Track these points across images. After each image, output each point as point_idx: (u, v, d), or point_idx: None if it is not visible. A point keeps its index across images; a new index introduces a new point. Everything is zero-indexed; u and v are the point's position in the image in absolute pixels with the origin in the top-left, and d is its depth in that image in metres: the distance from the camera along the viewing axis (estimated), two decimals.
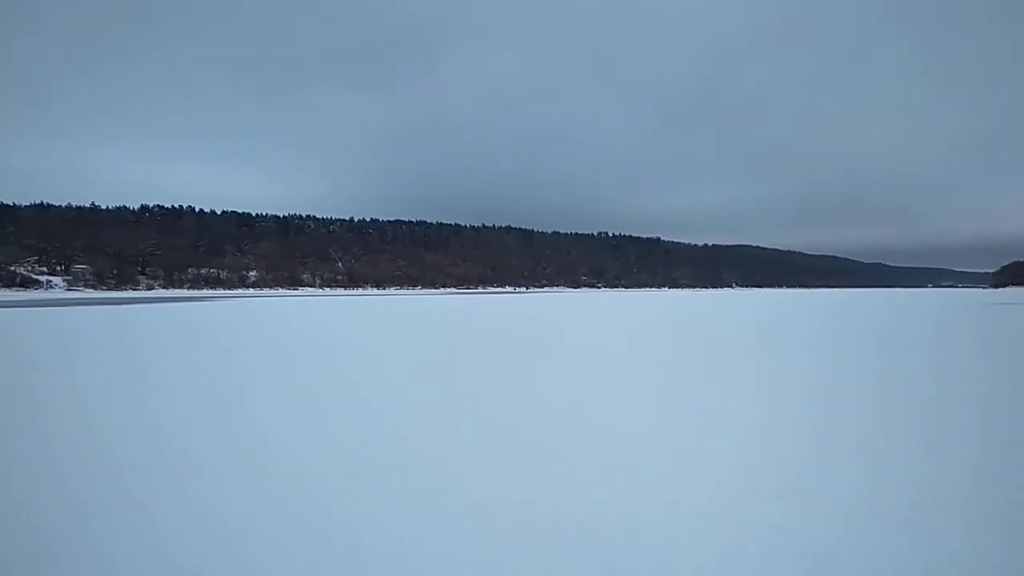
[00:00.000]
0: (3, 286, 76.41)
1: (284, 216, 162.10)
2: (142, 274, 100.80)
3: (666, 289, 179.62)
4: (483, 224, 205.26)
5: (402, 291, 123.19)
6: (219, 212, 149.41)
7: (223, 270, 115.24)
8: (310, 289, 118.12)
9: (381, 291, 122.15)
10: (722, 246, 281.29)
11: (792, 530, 3.34)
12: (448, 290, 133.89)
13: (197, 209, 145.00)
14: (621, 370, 9.68)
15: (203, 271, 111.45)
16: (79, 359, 11.16)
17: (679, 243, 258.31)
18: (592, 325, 21.59)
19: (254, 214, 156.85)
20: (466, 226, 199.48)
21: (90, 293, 79.74)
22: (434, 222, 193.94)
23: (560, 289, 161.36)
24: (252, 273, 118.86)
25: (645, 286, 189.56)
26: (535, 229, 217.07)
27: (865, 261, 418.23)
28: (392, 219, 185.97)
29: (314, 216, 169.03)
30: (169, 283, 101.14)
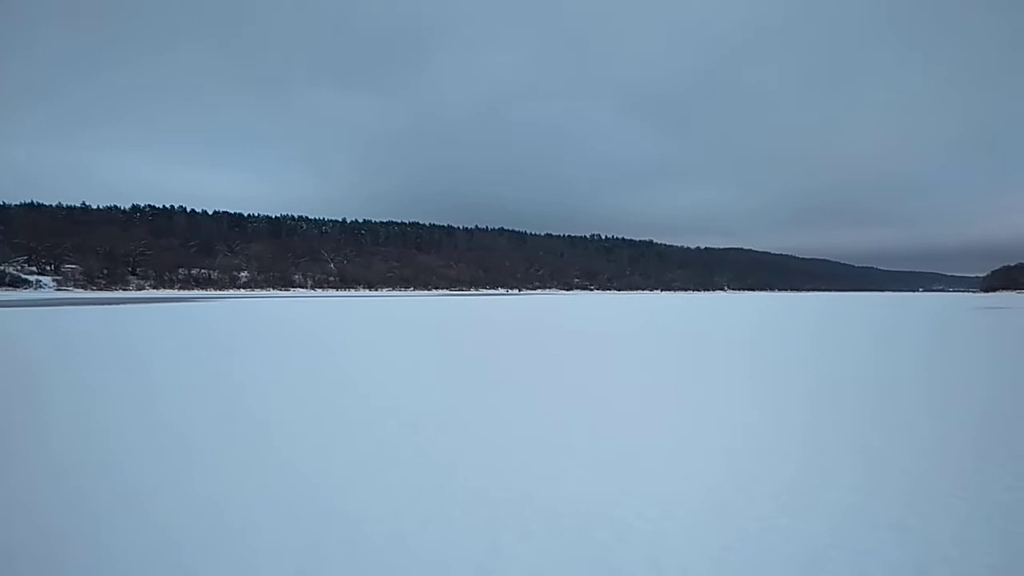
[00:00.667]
0: None
1: (276, 217, 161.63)
2: (133, 274, 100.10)
3: (659, 292, 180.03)
4: (476, 226, 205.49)
5: (394, 292, 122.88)
6: (210, 212, 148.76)
7: (214, 271, 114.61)
8: (302, 290, 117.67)
9: (373, 292, 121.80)
10: (715, 249, 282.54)
11: (784, 531, 3.35)
12: (440, 292, 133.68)
13: (188, 209, 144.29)
14: (614, 371, 9.68)
15: (194, 272, 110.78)
16: (71, 360, 11.06)
17: (672, 246, 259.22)
18: (585, 326, 21.60)
19: (246, 215, 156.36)
20: (458, 228, 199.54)
21: (80, 293, 79.11)
22: (426, 223, 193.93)
23: (553, 291, 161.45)
24: (243, 274, 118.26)
25: (638, 289, 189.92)
26: (528, 231, 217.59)
27: (856, 265, 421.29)
28: (384, 220, 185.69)
29: (306, 217, 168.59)
30: (160, 283, 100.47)
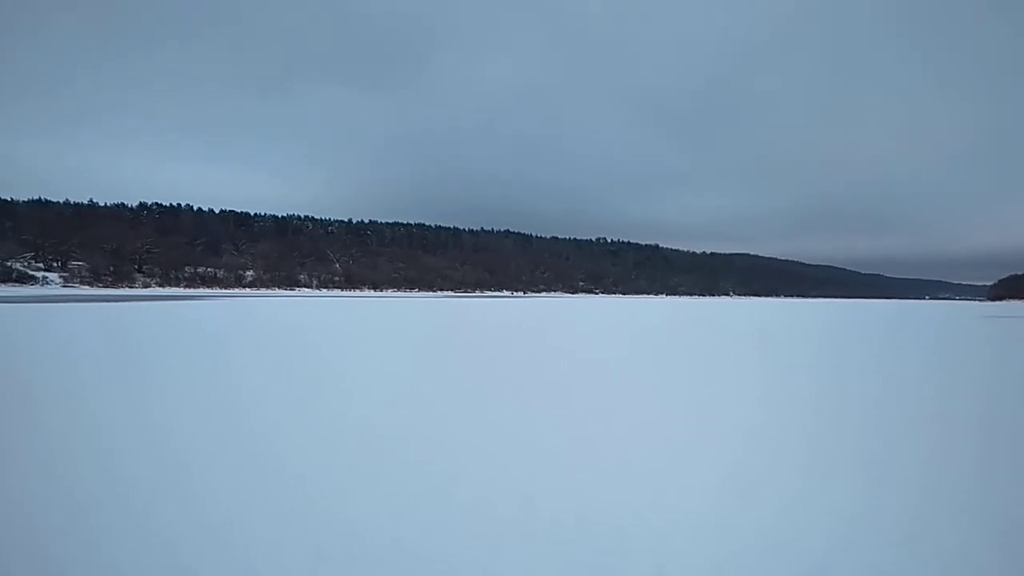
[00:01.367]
0: None
1: (282, 216, 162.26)
2: (139, 272, 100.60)
3: (664, 296, 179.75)
4: (481, 228, 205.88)
5: (399, 293, 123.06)
6: (217, 211, 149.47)
7: (220, 269, 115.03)
8: (307, 290, 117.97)
9: (378, 293, 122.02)
10: (721, 254, 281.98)
11: (787, 538, 3.28)
12: (445, 293, 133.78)
13: (195, 208, 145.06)
14: (618, 375, 9.63)
15: (200, 270, 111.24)
16: (75, 356, 11.08)
17: (678, 250, 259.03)
18: (590, 330, 21.56)
19: (252, 214, 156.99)
20: (464, 229, 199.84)
21: (86, 290, 79.52)
22: (432, 225, 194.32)
23: (558, 294, 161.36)
24: (249, 273, 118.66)
25: (643, 293, 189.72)
26: (534, 234, 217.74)
27: (863, 272, 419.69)
28: (390, 221, 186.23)
29: (312, 217, 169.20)
30: (166, 281, 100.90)
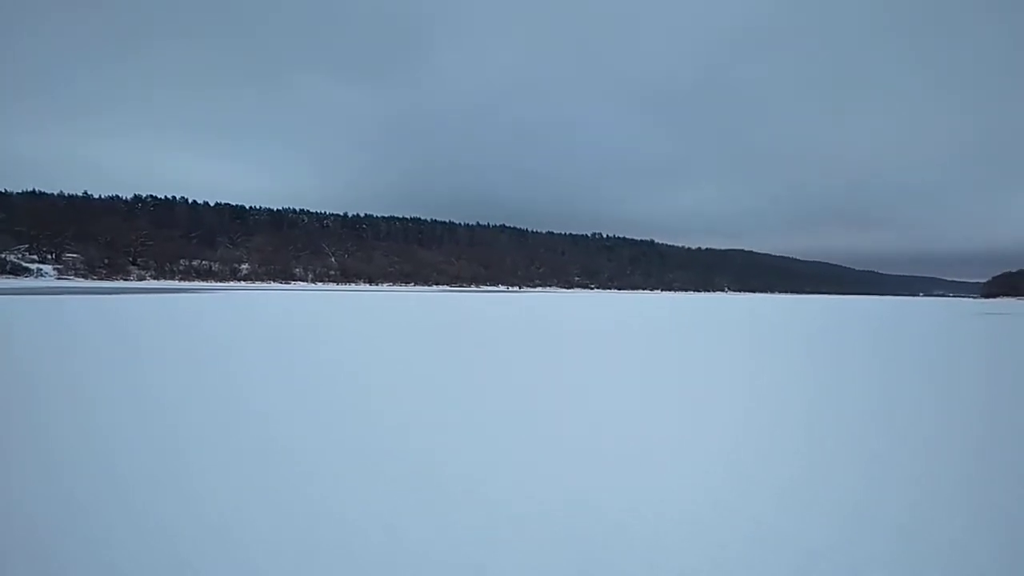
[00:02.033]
0: None
1: (278, 209, 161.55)
2: (133, 264, 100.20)
3: (659, 292, 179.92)
4: (477, 222, 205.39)
5: (395, 287, 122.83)
6: (212, 204, 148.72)
7: (215, 262, 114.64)
8: (302, 283, 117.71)
9: (373, 287, 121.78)
10: (716, 250, 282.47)
11: (783, 532, 3.33)
12: (440, 287, 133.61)
13: (190, 200, 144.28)
14: (613, 370, 9.66)
15: (195, 263, 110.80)
16: (71, 350, 11.05)
17: (673, 246, 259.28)
18: (586, 325, 21.58)
19: (248, 207, 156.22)
20: (460, 224, 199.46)
21: (81, 282, 79.15)
22: (428, 219, 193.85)
23: (553, 289, 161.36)
24: (244, 266, 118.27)
25: (638, 288, 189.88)
26: (529, 229, 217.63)
27: (857, 268, 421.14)
28: (386, 215, 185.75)
29: (308, 210, 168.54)
30: (160, 274, 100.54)
